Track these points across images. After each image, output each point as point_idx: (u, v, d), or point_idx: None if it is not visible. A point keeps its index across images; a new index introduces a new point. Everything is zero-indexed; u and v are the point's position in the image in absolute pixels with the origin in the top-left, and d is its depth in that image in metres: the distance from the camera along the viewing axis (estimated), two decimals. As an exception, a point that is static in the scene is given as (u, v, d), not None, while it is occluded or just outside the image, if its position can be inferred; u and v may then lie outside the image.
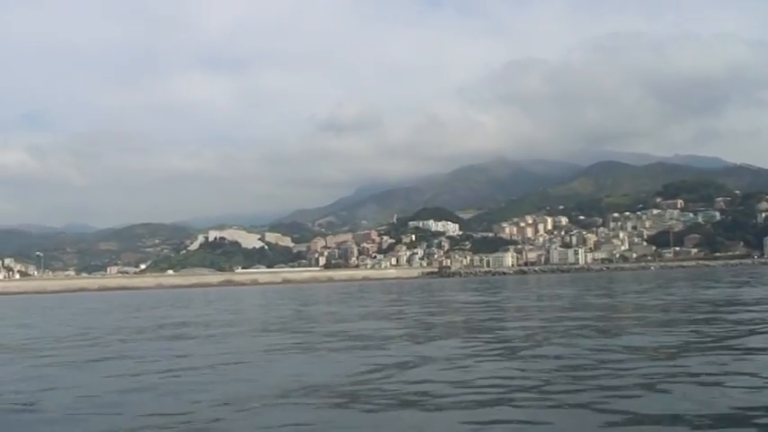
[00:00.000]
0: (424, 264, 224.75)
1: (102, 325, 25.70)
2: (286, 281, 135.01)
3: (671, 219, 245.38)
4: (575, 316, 20.93)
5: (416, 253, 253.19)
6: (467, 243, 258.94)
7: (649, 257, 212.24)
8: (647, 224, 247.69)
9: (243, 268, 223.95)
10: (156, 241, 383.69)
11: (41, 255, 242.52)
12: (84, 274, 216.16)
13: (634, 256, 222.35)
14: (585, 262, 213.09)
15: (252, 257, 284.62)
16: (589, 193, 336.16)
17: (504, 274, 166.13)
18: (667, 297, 29.99)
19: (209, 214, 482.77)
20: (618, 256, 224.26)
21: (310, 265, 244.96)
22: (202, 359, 12.93)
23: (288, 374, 10.50)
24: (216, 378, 10.58)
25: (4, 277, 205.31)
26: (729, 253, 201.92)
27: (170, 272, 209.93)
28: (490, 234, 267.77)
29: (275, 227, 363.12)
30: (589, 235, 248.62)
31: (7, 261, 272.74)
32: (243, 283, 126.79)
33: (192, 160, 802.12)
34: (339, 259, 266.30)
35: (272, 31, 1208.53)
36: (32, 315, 38.21)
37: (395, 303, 34.70)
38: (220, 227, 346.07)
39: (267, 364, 12.11)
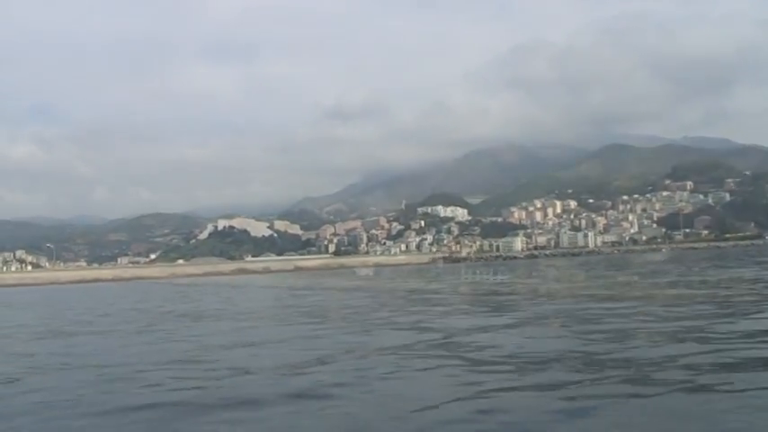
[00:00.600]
0: (434, 249, 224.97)
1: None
2: (298, 268, 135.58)
3: (680, 201, 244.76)
4: None
5: (426, 239, 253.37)
6: (476, 228, 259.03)
7: (659, 240, 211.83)
8: (657, 206, 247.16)
9: (253, 257, 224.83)
10: (166, 231, 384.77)
11: (52, 246, 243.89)
12: (95, 265, 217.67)
13: (644, 238, 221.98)
14: (595, 245, 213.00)
15: (261, 246, 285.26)
16: (597, 177, 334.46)
17: (515, 258, 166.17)
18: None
19: (217, 203, 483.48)
20: (628, 238, 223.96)
21: (320, 253, 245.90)
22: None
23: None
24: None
25: (17, 269, 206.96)
26: (740, 234, 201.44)
27: (180, 261, 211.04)
28: (499, 219, 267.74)
29: (284, 215, 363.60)
30: (598, 218, 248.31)
31: (19, 253, 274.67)
32: (255, 272, 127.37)
33: (200, 149, 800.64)
34: (348, 246, 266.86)
35: (275, 17, 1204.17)
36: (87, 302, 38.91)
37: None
38: (229, 216, 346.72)
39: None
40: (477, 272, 49.63)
